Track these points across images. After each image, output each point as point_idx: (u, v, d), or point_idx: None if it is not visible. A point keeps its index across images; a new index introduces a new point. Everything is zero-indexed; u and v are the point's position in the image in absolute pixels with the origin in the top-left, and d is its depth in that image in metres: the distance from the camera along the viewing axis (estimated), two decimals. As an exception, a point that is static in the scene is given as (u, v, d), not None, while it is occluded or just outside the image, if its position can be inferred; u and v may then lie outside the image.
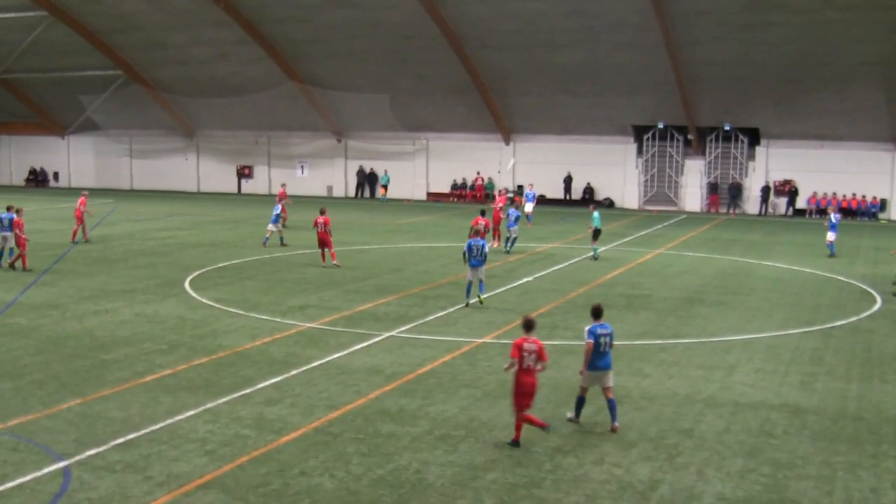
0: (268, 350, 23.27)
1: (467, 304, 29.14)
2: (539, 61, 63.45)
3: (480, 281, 29.19)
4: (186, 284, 32.56)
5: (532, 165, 70.96)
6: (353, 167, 76.53)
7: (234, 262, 38.22)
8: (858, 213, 65.11)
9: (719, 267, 39.01)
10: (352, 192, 76.77)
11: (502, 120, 70.15)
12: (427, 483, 14.83)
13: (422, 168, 74.63)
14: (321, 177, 77.03)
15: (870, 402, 19.74)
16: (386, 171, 74.16)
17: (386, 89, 68.59)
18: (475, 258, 28.75)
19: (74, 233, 43.55)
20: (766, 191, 66.85)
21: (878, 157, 64.45)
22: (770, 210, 67.02)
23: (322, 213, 37.36)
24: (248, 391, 19.50)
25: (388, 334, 25.17)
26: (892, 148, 63.95)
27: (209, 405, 18.47)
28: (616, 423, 17.48)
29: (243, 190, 79.14)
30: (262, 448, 16.19)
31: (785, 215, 66.28)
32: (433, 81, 67.35)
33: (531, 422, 16.56)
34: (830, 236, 42.74)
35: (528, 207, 55.87)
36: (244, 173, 79.26)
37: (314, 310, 28.43)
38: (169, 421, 17.51)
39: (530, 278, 35.03)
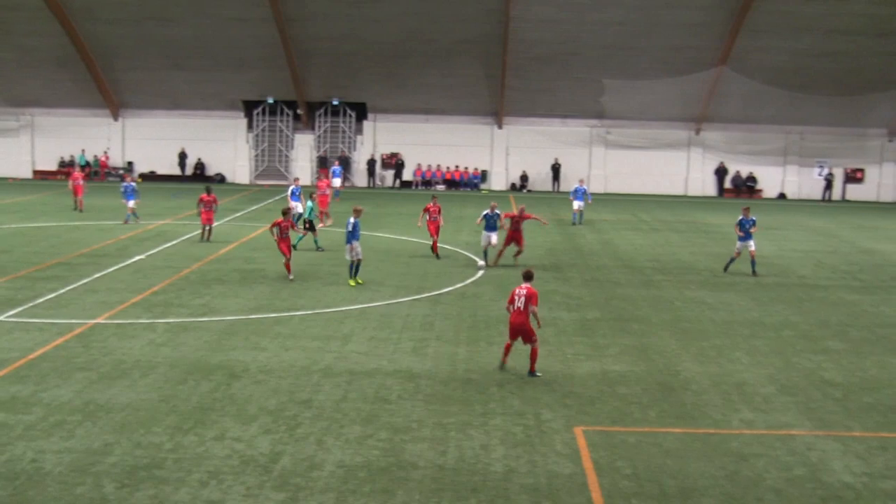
0: None
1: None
2: (148, 35, 62.03)
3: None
4: None
5: (143, 141, 69.46)
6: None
7: None
8: (462, 183, 68.08)
9: (332, 239, 39.70)
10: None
11: (111, 95, 67.95)
12: (44, 472, 14.39)
13: (27, 145, 70.93)
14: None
15: (477, 363, 20.84)
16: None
17: (-13, 63, 64.83)
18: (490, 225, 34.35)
19: None
20: (371, 164, 68.52)
21: (479, 131, 67.97)
22: (378, 182, 68.80)
23: (208, 191, 38.15)
24: None
25: (-6, 319, 24.06)
26: (492, 122, 67.48)
27: None
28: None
29: None
30: None
31: (392, 187, 68.24)
32: (38, 54, 64.21)
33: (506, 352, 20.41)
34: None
35: (336, 182, 56.76)
36: None
37: None
38: None
39: (143, 256, 34.33)
